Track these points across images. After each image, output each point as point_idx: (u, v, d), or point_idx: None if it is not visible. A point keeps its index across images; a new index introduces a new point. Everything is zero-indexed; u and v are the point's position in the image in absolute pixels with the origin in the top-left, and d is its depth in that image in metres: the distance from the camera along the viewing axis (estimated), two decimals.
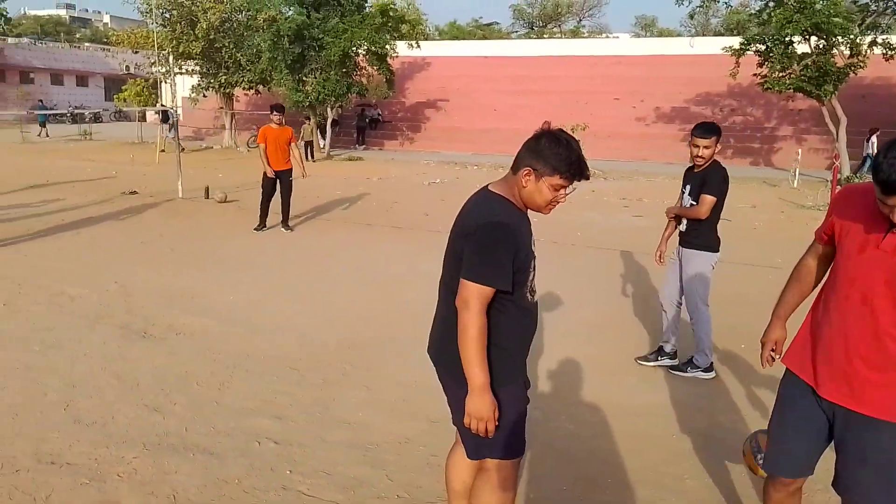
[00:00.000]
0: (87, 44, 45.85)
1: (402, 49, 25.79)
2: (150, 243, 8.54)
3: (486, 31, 56.54)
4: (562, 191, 2.27)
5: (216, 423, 3.78)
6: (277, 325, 5.51)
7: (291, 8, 22.73)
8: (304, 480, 3.23)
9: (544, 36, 54.10)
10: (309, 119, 23.38)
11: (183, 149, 21.04)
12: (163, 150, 20.87)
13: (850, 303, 2.17)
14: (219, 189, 12.64)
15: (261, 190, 9.60)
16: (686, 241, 4.62)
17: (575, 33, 56.59)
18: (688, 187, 4.60)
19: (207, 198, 12.32)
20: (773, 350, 2.55)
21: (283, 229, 9.58)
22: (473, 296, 2.17)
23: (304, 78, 23.11)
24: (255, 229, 9.49)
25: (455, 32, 55.15)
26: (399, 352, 4.97)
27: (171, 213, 10.98)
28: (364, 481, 3.25)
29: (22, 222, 9.52)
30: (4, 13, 41.46)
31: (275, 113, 9.49)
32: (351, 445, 3.58)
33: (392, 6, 24.80)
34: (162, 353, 4.81)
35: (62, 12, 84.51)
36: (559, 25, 60.38)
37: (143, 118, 28.88)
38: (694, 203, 4.50)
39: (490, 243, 2.18)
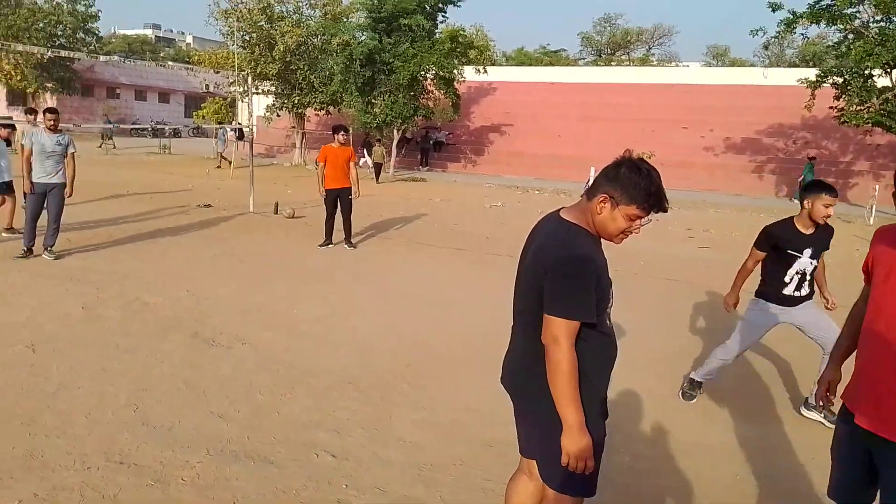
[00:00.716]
0: (170, 62, 48.18)
1: (469, 74, 26.12)
2: (221, 255, 8.85)
3: (553, 57, 56.61)
4: (637, 221, 2.23)
5: (277, 434, 3.88)
6: (339, 341, 5.62)
7: (364, 33, 23.39)
8: (359, 496, 3.28)
9: (612, 63, 53.78)
10: (380, 142, 23.81)
11: (230, 162, 22.01)
12: (238, 167, 21.64)
13: (876, 329, 2.25)
14: (287, 205, 13.02)
15: (324, 208, 9.84)
16: (808, 296, 4.48)
17: (644, 61, 56.08)
18: (808, 250, 4.34)
19: (276, 213, 12.69)
20: (827, 391, 2.65)
21: (346, 246, 9.79)
22: (562, 331, 2.13)
23: (373, 100, 23.66)
24: (319, 245, 9.72)
25: (522, 58, 55.46)
26: (457, 374, 4.99)
27: (242, 226, 11.36)
28: (418, 501, 3.27)
29: (103, 230, 10.02)
30: (97, 32, 44.04)
31: (342, 133, 9.70)
32: (406, 464, 3.61)
33: (462, 32, 25.19)
34: (228, 363, 4.97)
35: (149, 32, 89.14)
36: (628, 53, 59.96)
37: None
38: (815, 262, 4.39)
39: (572, 277, 2.15)
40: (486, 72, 27.17)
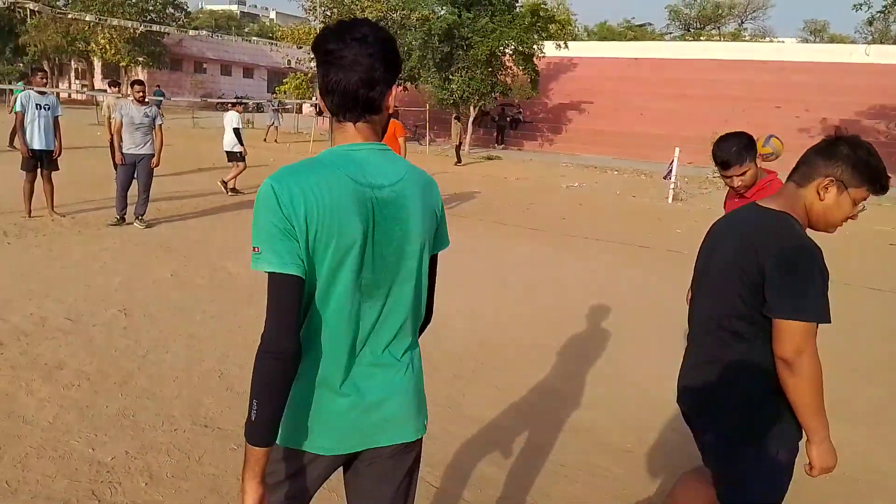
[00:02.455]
0: (254, 38, 49.35)
1: (549, 49, 25.61)
2: None
3: (637, 32, 54.88)
4: (859, 205, 1.99)
5: None
6: None
7: (444, 7, 23.25)
8: (432, 472, 3.29)
9: (701, 38, 51.62)
10: (458, 120, 23.57)
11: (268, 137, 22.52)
12: (317, 140, 22.05)
13: None
14: None
15: None
16: None
17: (735, 36, 53.61)
18: None
19: None
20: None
21: None
22: (806, 337, 1.82)
23: (451, 76, 23.54)
24: None
25: (605, 33, 54.01)
26: (531, 356, 4.94)
27: None
28: (491, 481, 3.25)
29: (190, 201, 10.40)
30: (185, 7, 45.60)
31: None
32: (479, 443, 3.60)
33: (543, 6, 24.67)
34: None
35: (234, 7, 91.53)
36: (718, 28, 57.40)
37: (299, 110, 30.66)
38: None
39: (806, 271, 1.84)
40: (566, 47, 26.57)
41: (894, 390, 4.67)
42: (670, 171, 14.52)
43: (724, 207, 3.36)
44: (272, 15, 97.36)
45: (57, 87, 44.44)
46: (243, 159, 11.55)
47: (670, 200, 14.31)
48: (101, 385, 3.97)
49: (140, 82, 8.46)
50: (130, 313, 5.24)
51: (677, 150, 14.42)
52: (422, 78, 24.57)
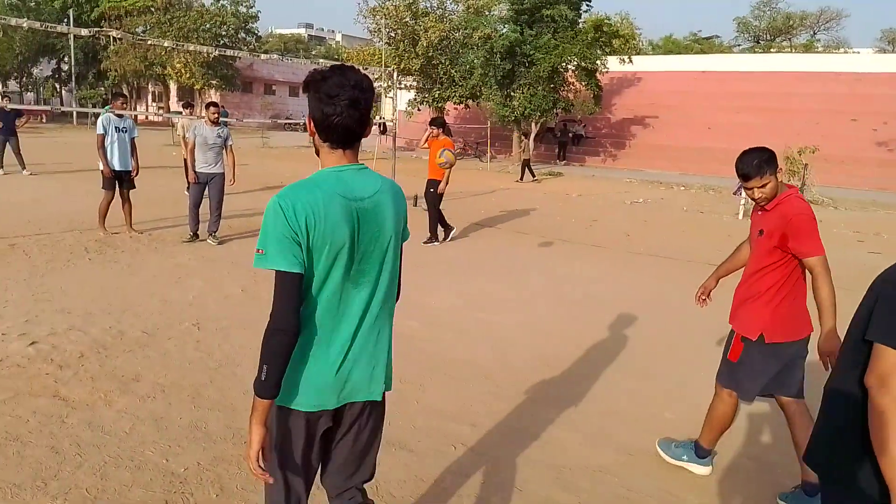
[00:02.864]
0: (321, 60, 50.85)
1: (612, 64, 25.35)
2: None
3: (704, 45, 53.73)
4: None
5: (416, 422, 3.94)
6: (475, 333, 5.63)
7: (506, 25, 23.36)
8: (496, 493, 3.25)
9: (772, 50, 50.15)
10: (527, 136, 23.39)
11: None
12: (380, 158, 22.39)
13: (747, 264, 3.42)
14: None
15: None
16: None
17: (808, 48, 51.85)
18: None
19: (416, 206, 12.97)
20: (703, 294, 3.76)
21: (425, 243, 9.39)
22: (895, 367, 1.57)
23: (512, 93, 23.57)
24: (423, 243, 9.45)
25: (670, 46, 53.11)
26: (595, 375, 4.85)
27: None
28: None
29: (260, 218, 10.68)
30: (256, 32, 47.25)
31: (432, 127, 9.44)
32: (543, 464, 3.54)
33: (606, 21, 24.48)
34: None
35: (302, 31, 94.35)
36: (790, 39, 55.67)
37: None
38: None
39: None
40: (630, 61, 26.26)
41: None
42: (741, 186, 14.07)
43: (751, 218, 3.47)
44: (338, 37, 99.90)
45: (135, 109, 46.66)
46: None
47: (741, 216, 13.88)
48: (174, 397, 4.11)
49: (215, 104, 8.79)
50: (203, 327, 5.41)
51: None
52: (483, 95, 24.72)
